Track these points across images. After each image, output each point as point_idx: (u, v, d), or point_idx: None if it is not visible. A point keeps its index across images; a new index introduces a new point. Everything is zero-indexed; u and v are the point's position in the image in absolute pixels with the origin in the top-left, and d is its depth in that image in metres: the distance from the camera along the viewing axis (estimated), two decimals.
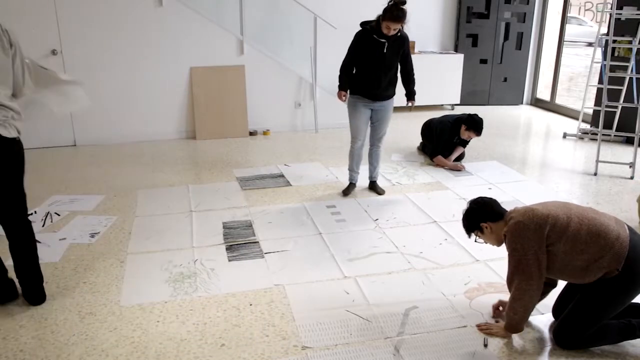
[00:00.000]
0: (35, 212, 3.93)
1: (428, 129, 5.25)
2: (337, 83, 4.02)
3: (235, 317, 2.65)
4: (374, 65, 3.89)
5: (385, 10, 3.71)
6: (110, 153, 5.47)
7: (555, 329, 2.45)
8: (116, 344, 2.44)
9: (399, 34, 3.83)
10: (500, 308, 2.69)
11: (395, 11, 3.66)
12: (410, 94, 4.16)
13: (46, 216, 3.86)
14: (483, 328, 2.54)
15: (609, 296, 2.29)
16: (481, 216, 2.49)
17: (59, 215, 3.89)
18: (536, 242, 2.28)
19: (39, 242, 3.45)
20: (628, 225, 2.34)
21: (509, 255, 2.38)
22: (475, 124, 4.82)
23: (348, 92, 4.02)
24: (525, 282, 2.31)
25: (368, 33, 3.85)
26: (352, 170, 4.29)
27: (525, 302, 2.35)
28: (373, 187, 4.37)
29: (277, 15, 6.63)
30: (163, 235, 3.56)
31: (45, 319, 2.63)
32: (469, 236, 2.58)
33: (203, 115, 5.95)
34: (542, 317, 2.64)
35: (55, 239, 3.51)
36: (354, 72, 4.00)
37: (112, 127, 5.79)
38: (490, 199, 2.55)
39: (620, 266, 2.22)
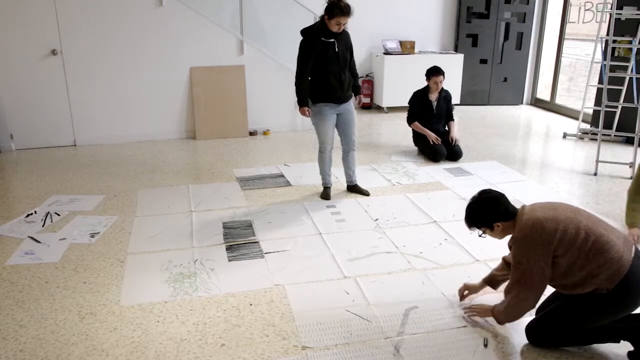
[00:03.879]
0: (35, 212, 3.93)
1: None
2: (297, 98, 3.91)
3: (235, 317, 2.65)
4: (333, 66, 3.85)
5: (330, 7, 3.67)
6: (110, 153, 5.47)
7: (530, 323, 2.43)
8: (116, 344, 2.44)
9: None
10: (466, 292, 2.74)
11: (343, 6, 3.65)
12: (357, 89, 4.15)
13: (46, 216, 3.86)
14: (470, 310, 2.60)
15: (591, 311, 2.26)
16: (494, 215, 2.35)
17: (59, 215, 3.89)
18: (542, 258, 2.22)
19: (39, 242, 3.46)
20: (637, 248, 2.27)
21: (513, 266, 2.32)
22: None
23: (310, 103, 3.94)
24: (525, 292, 2.30)
25: (315, 37, 3.80)
26: (326, 174, 4.23)
27: (519, 309, 2.35)
28: (356, 189, 4.33)
29: (277, 15, 6.64)
30: (163, 235, 3.56)
31: (45, 319, 2.63)
32: (473, 230, 2.44)
33: (203, 115, 5.96)
34: None
35: (55, 239, 3.51)
36: (310, 82, 3.90)
37: (112, 127, 5.80)
38: (500, 194, 2.42)
39: (612, 287, 2.18)
